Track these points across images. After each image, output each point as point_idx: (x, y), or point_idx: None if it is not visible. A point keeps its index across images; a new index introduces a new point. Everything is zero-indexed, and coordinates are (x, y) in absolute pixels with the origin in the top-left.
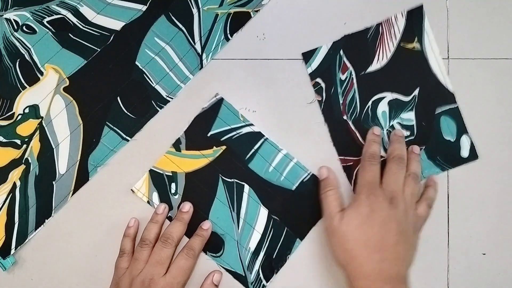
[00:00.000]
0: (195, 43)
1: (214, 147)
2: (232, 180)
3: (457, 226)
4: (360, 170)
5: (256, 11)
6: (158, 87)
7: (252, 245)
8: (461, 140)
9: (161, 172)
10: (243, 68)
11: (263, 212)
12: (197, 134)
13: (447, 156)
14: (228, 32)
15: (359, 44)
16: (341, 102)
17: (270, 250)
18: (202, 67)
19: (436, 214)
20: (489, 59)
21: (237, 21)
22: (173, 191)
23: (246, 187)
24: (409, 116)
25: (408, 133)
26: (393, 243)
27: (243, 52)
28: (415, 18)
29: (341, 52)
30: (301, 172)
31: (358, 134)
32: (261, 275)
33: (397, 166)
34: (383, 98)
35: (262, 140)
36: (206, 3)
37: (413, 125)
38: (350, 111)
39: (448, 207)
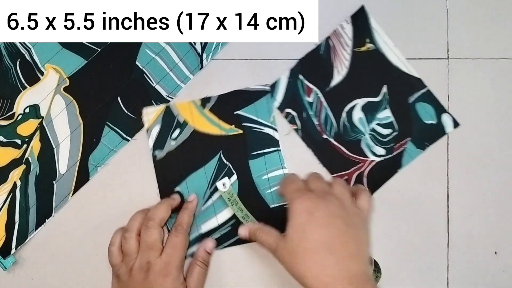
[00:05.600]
0: (195, 43)
1: (234, 126)
2: (227, 163)
3: (457, 226)
4: (282, 187)
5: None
6: (158, 87)
7: (205, 228)
8: (443, 119)
9: (175, 114)
10: (243, 68)
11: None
12: (226, 105)
13: (433, 138)
14: None
15: (315, 63)
16: (316, 123)
17: (217, 241)
18: (202, 67)
19: (436, 214)
20: (489, 59)
21: None
22: (173, 136)
23: (234, 177)
24: (385, 114)
25: (390, 130)
26: (344, 241)
27: (243, 52)
28: (360, 20)
29: (301, 76)
30: None
31: (343, 148)
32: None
33: (317, 175)
34: (354, 105)
35: (274, 148)
36: None
37: (392, 121)
38: (328, 129)
39: (448, 206)
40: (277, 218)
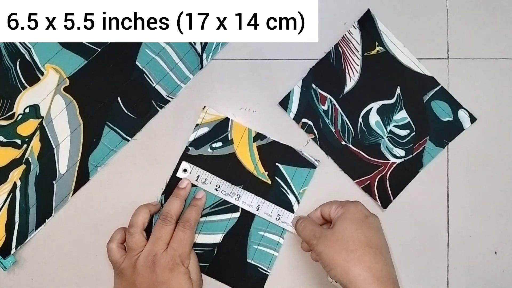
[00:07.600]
0: (195, 43)
1: (267, 174)
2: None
3: (457, 226)
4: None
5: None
6: (158, 87)
7: None
8: (459, 115)
9: (228, 129)
10: (243, 68)
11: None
12: (274, 153)
13: (451, 135)
14: None
15: (326, 71)
16: (333, 130)
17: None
18: (202, 67)
19: (436, 214)
20: (489, 59)
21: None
22: (214, 146)
23: (237, 214)
24: (401, 116)
25: (407, 131)
26: (387, 250)
27: (243, 52)
28: (367, 24)
29: (313, 85)
30: (264, 264)
31: (362, 153)
32: None
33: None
34: (370, 109)
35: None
36: None
37: (408, 122)
38: (346, 135)
39: (448, 207)
40: (244, 272)
